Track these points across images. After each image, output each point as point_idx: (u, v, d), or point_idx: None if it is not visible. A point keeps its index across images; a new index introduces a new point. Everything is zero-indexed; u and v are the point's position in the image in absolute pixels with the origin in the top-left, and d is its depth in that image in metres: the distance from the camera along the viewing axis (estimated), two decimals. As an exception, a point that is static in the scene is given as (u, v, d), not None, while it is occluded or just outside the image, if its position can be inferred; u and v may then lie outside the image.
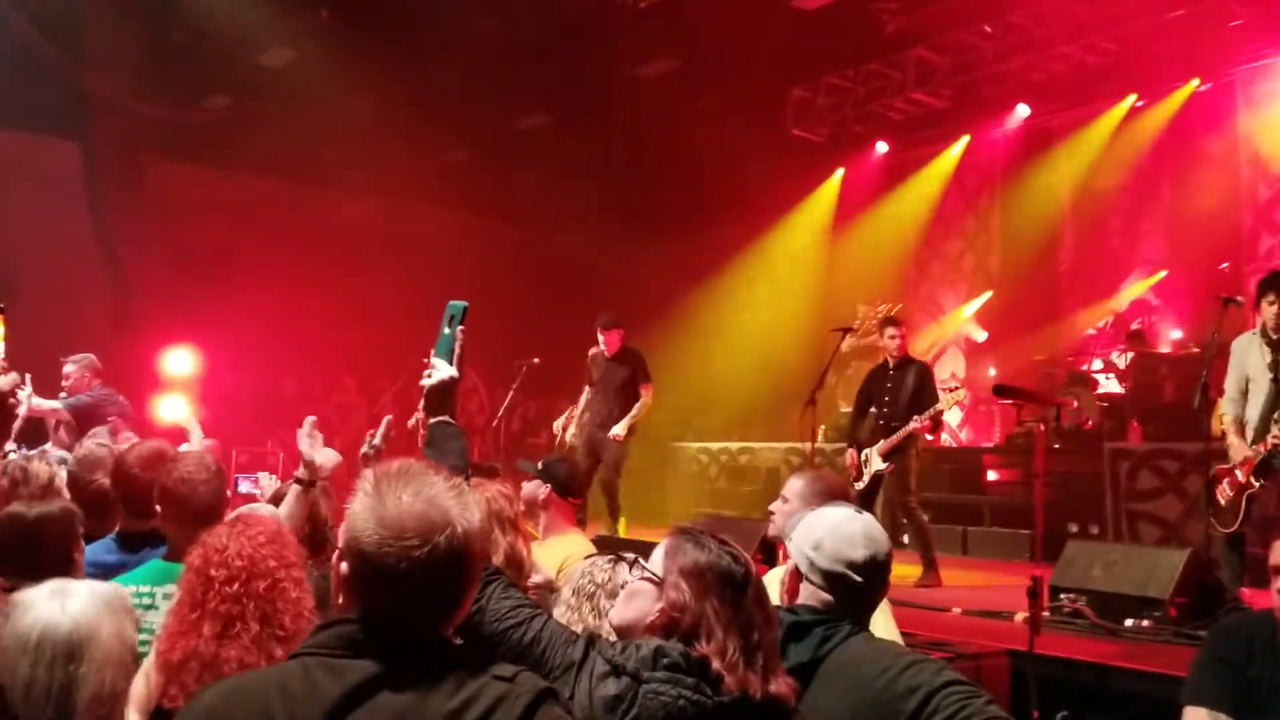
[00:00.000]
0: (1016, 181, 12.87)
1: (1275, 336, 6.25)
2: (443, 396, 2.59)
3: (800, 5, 11.10)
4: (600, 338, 9.32)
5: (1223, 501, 6.32)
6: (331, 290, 13.01)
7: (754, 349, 13.74)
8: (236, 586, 2.54)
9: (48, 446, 6.39)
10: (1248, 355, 6.37)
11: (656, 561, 2.32)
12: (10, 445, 5.17)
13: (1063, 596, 6.16)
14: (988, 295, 13.27)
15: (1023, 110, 12.54)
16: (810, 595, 2.55)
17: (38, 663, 1.99)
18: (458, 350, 2.61)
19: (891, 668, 2.37)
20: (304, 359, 13.44)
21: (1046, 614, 5.88)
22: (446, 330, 2.63)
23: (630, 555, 2.58)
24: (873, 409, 8.48)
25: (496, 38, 11.26)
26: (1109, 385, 11.32)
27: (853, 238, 14.12)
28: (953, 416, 12.51)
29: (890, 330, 8.44)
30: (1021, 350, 12.29)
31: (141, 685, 2.51)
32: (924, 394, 8.09)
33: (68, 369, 7.91)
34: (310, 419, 3.97)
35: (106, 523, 3.89)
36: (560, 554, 4.37)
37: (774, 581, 2.77)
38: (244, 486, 7.92)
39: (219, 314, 12.18)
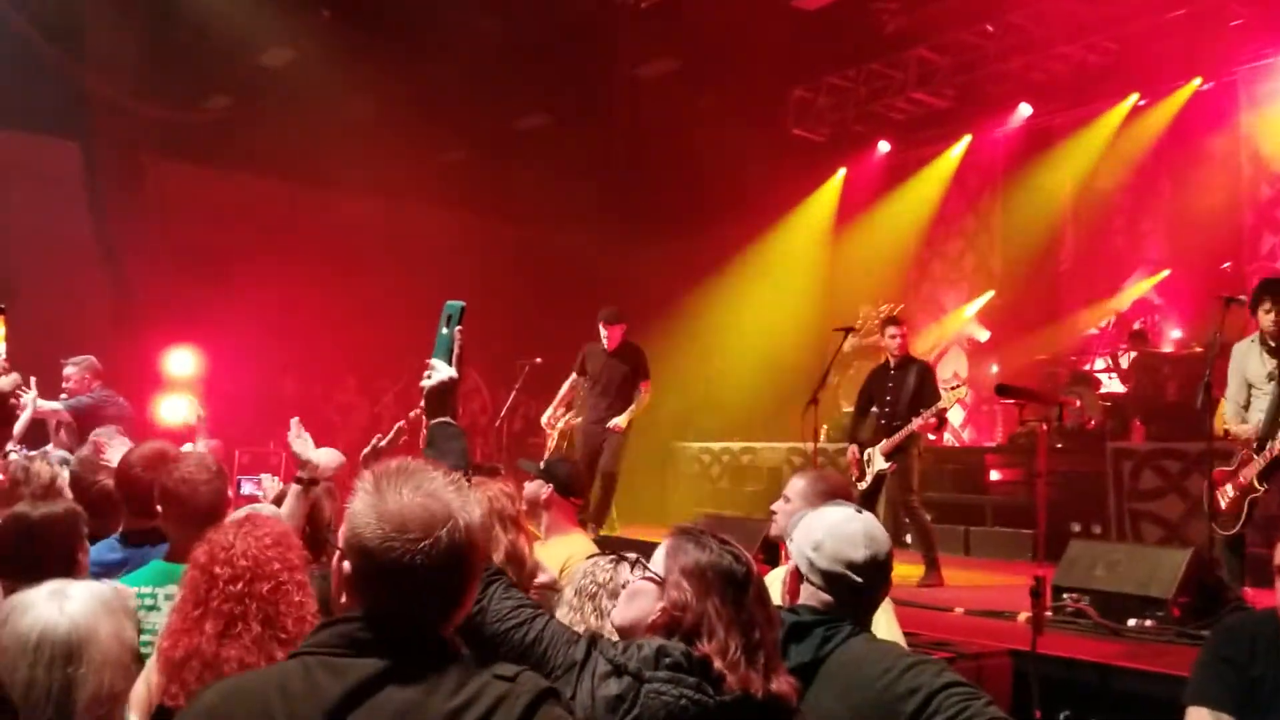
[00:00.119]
0: (1018, 181, 12.87)
1: (1274, 344, 6.24)
2: (442, 397, 2.59)
3: (801, 5, 11.09)
4: (602, 332, 9.26)
5: (1223, 504, 6.31)
6: (332, 290, 13.00)
7: (755, 349, 13.73)
8: (240, 586, 2.55)
9: (49, 448, 6.39)
10: (1248, 362, 6.37)
11: (658, 561, 2.32)
12: (11, 446, 5.18)
13: (1065, 596, 6.15)
14: (989, 295, 13.27)
15: (1024, 110, 12.54)
16: (811, 596, 2.55)
17: (36, 663, 1.98)
18: (457, 351, 2.61)
19: (892, 669, 2.37)
20: (305, 359, 13.43)
21: (1049, 614, 5.88)
22: (445, 331, 2.62)
23: (632, 555, 2.58)
24: (874, 409, 8.48)
25: (496, 38, 11.26)
26: (1111, 385, 11.32)
27: (854, 237, 14.12)
28: (955, 416, 12.51)
29: (891, 330, 8.44)
30: (1023, 350, 12.29)
31: (142, 688, 2.51)
32: (925, 393, 8.09)
33: (68, 371, 7.91)
34: (295, 420, 3.98)
35: (109, 523, 3.90)
36: (563, 554, 4.37)
37: (776, 581, 2.76)
38: (246, 488, 7.90)
39: (220, 314, 12.18)
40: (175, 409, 11.30)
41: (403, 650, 1.73)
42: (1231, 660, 2.82)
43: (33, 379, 7.10)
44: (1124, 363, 11.20)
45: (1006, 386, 8.44)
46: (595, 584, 2.78)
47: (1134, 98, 11.77)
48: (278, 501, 4.17)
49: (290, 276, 12.77)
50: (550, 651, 2.29)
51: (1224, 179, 11.08)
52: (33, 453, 4.88)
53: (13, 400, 5.59)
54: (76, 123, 12.38)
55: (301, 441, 3.97)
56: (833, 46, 12.31)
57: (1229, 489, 6.30)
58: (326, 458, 4.13)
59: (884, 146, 13.96)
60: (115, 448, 4.53)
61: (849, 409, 10.38)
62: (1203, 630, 5.24)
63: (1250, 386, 6.35)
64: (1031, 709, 4.59)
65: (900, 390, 8.22)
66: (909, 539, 8.49)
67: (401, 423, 3.89)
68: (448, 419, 2.57)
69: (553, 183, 13.30)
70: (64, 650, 2.00)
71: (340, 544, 1.80)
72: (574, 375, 9.61)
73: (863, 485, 8.16)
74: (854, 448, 8.41)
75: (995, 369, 12.90)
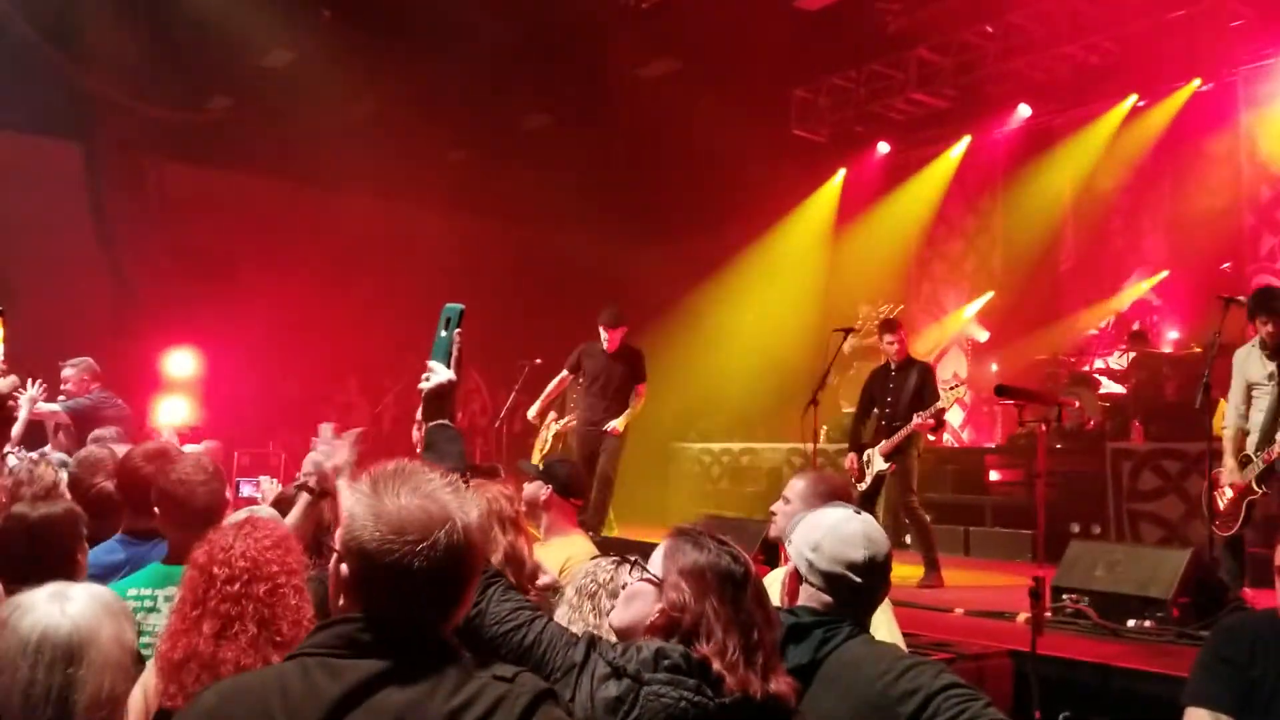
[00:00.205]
0: (1018, 181, 12.87)
1: (1272, 348, 6.27)
2: (441, 400, 2.60)
3: (802, 5, 11.10)
4: (603, 334, 9.19)
5: (1222, 505, 6.32)
6: (333, 291, 13.01)
7: (756, 349, 13.73)
8: (237, 587, 2.55)
9: (47, 449, 6.40)
10: (1248, 365, 6.41)
11: (656, 562, 2.32)
12: (9, 448, 5.17)
13: (1065, 597, 6.16)
14: (989, 295, 13.27)
15: (1024, 110, 12.54)
16: (810, 597, 2.55)
17: (37, 664, 1.98)
18: (455, 353, 2.61)
19: (891, 670, 2.36)
20: (306, 360, 13.43)
21: (1049, 614, 5.89)
22: (444, 333, 2.63)
23: (632, 556, 2.58)
24: (875, 410, 8.48)
25: (497, 38, 11.25)
26: (1111, 385, 11.32)
27: (854, 238, 14.11)
28: (955, 416, 12.51)
29: (888, 337, 8.42)
30: (1023, 350, 12.28)
31: (139, 695, 2.51)
32: (926, 394, 8.09)
33: (66, 373, 7.91)
34: (327, 426, 3.87)
35: (109, 524, 3.90)
36: (562, 555, 4.37)
37: (775, 582, 2.76)
38: (245, 489, 7.90)
39: (220, 315, 12.18)
40: (174, 410, 11.32)
41: (401, 651, 1.73)
42: (1231, 661, 2.82)
43: (36, 381, 7.11)
44: (1123, 363, 11.19)
45: (1006, 387, 8.42)
46: (595, 583, 2.78)
47: (1134, 98, 11.77)
48: (278, 503, 4.17)
49: (291, 277, 12.77)
50: (549, 653, 2.29)
51: (1224, 180, 11.08)
52: (34, 454, 4.88)
53: (11, 403, 5.59)
54: (77, 123, 12.40)
55: (328, 450, 3.78)
56: (833, 47, 12.31)
57: (1227, 490, 6.32)
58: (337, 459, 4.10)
59: (884, 147, 13.96)
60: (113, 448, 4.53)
61: (849, 409, 10.39)
62: (1202, 631, 5.25)
63: (1251, 387, 6.37)
64: (1031, 710, 4.59)
65: (901, 391, 8.22)
66: (909, 540, 8.49)
67: (360, 429, 3.83)
68: (445, 421, 2.57)
69: (553, 183, 13.30)
70: (65, 651, 2.00)
71: (337, 546, 1.81)
72: (564, 373, 9.57)
73: (862, 486, 8.16)
74: (853, 456, 8.41)
75: (995, 367, 12.91)
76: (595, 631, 2.53)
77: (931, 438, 8.75)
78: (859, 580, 2.50)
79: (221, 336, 12.08)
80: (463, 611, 1.84)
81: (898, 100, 12.85)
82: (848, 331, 9.36)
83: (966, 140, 13.27)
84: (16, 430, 6.49)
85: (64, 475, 4.42)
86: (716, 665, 2.12)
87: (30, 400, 7.07)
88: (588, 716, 2.15)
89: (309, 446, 4.04)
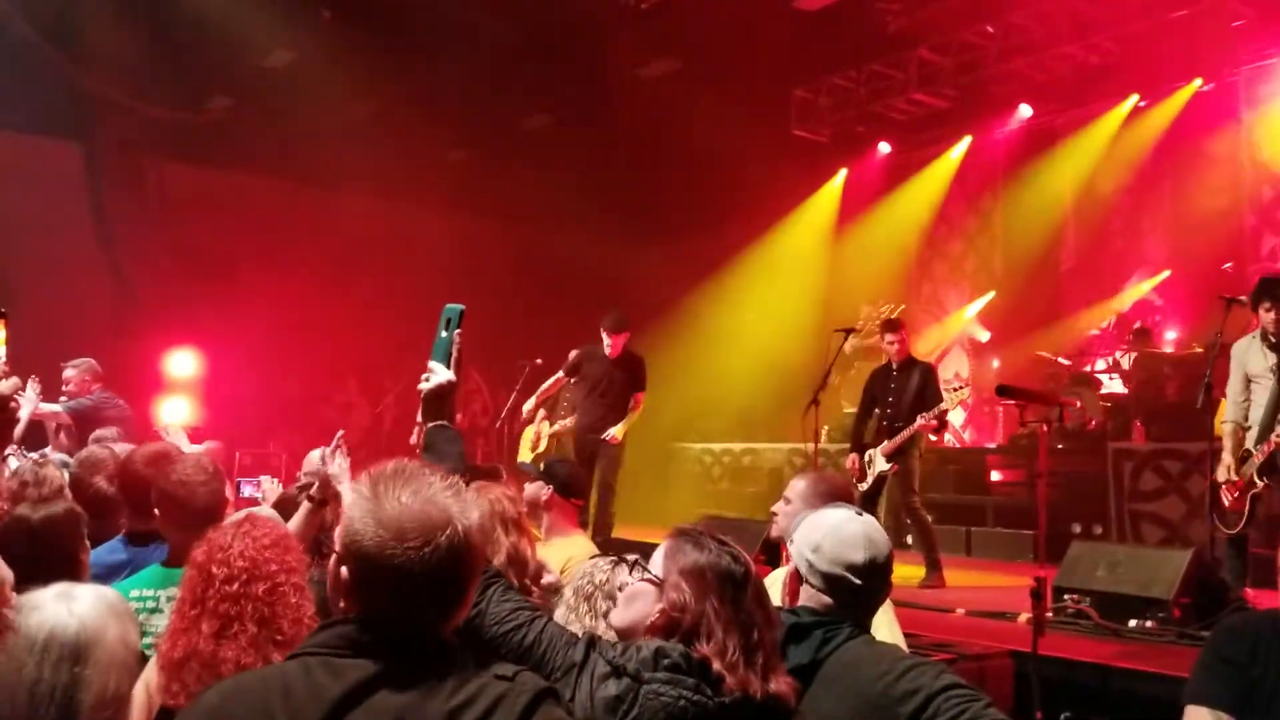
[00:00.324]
0: (1019, 181, 12.87)
1: (1275, 339, 6.25)
2: (440, 401, 2.60)
3: (802, 5, 11.10)
4: (605, 339, 9.04)
5: (1226, 502, 6.31)
6: (333, 291, 13.02)
7: (757, 350, 13.73)
8: (236, 586, 2.55)
9: (47, 450, 6.39)
10: (1248, 357, 6.38)
11: (657, 563, 2.32)
12: (11, 450, 5.17)
13: (1066, 597, 6.16)
14: (990, 295, 13.27)
15: (1025, 110, 12.55)
16: (810, 597, 2.55)
17: (44, 663, 1.99)
18: (455, 354, 2.61)
19: (891, 671, 2.36)
20: (306, 360, 13.43)
21: (1050, 615, 5.89)
22: (444, 334, 2.62)
23: (632, 557, 2.58)
24: (876, 410, 8.48)
25: (497, 38, 11.26)
26: (1112, 385, 11.32)
27: (855, 238, 14.11)
28: (956, 417, 12.50)
29: (889, 336, 8.41)
30: (1025, 350, 12.28)
31: (141, 691, 2.51)
32: (927, 394, 8.08)
33: (67, 374, 7.90)
34: (339, 434, 3.86)
35: (109, 524, 3.90)
36: (563, 555, 4.37)
37: (776, 583, 2.76)
38: (246, 489, 7.90)
39: (221, 315, 12.18)
40: (170, 414, 11.31)
41: (402, 651, 1.73)
42: (1232, 660, 2.82)
43: (33, 379, 7.10)
44: (1125, 363, 11.19)
45: (1007, 387, 8.43)
46: (592, 585, 2.78)
47: (1135, 98, 11.78)
48: (279, 504, 4.17)
49: (291, 277, 12.78)
50: (549, 653, 2.30)
51: (1225, 180, 11.08)
52: (35, 455, 4.87)
53: (13, 404, 5.58)
54: (77, 123, 12.41)
55: (334, 459, 3.79)
56: (834, 47, 12.32)
57: (1230, 488, 6.31)
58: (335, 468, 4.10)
59: (885, 147, 13.97)
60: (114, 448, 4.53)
61: (850, 410, 10.39)
62: (1204, 631, 5.25)
63: (1250, 381, 6.36)
64: (1033, 710, 4.58)
65: (902, 391, 8.21)
66: (910, 540, 8.49)
67: (341, 431, 3.83)
68: (445, 422, 2.57)
69: (553, 183, 13.30)
70: (71, 651, 2.01)
71: (337, 548, 1.80)
72: (560, 374, 9.54)
73: (864, 486, 8.15)
74: (854, 456, 8.40)
75: (996, 362, 12.92)
76: (593, 633, 2.53)
77: (933, 438, 8.74)
78: (859, 582, 2.50)
79: (222, 336, 12.08)
80: (463, 612, 1.84)
81: (898, 100, 12.86)
82: (849, 332, 9.33)
83: (967, 140, 13.27)
84: (17, 431, 6.49)
85: (65, 476, 4.42)
86: (716, 665, 2.12)
87: (31, 402, 7.07)
88: (587, 716, 2.15)
89: (309, 446, 4.04)
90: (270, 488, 4.85)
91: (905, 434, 8.01)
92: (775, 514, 3.90)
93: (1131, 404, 10.54)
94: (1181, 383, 9.82)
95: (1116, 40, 11.11)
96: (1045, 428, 7.99)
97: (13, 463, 4.41)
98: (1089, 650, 5.37)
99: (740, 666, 2.13)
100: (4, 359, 5.37)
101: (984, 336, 13.39)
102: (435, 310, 2.69)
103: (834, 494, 3.54)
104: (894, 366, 8.39)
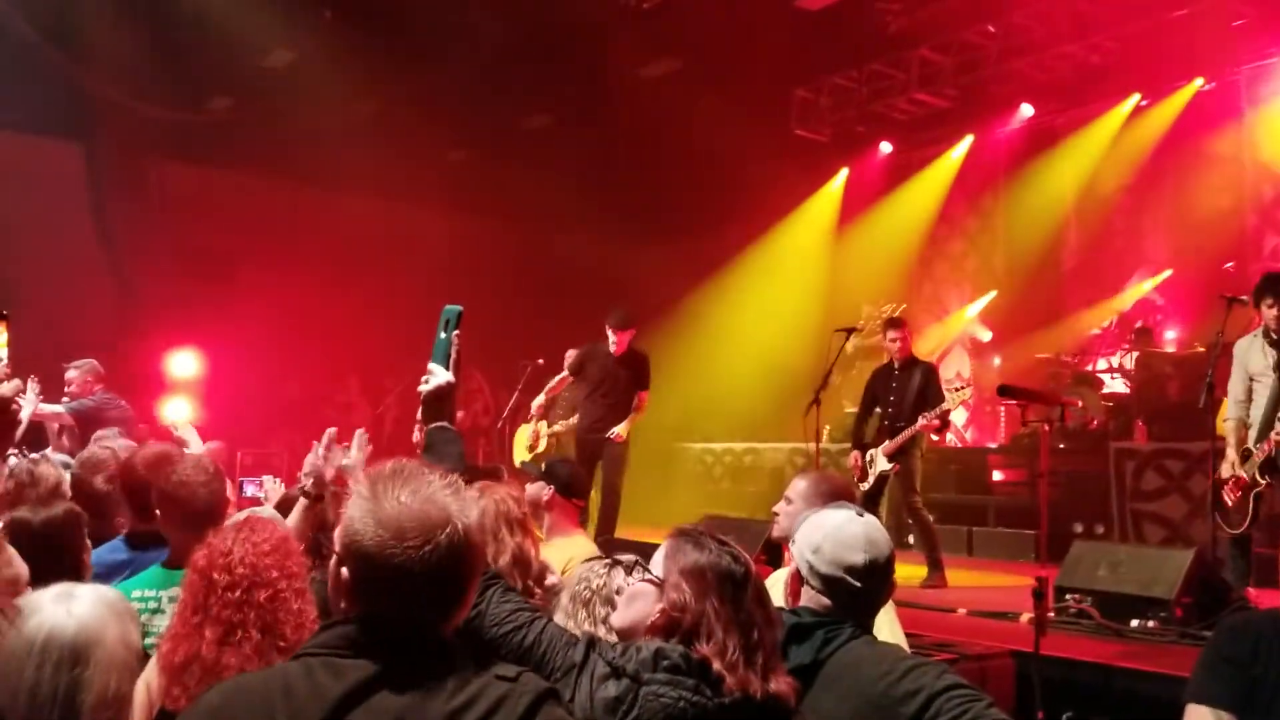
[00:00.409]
0: (1020, 181, 12.88)
1: (1277, 337, 6.25)
2: (440, 402, 2.60)
3: (803, 5, 11.10)
4: (610, 336, 8.93)
5: (1229, 501, 6.30)
6: (335, 291, 13.02)
7: (758, 349, 13.73)
8: (238, 594, 2.54)
9: (48, 451, 6.39)
10: (1250, 356, 6.38)
11: (657, 563, 2.32)
12: (12, 451, 5.18)
13: (1068, 597, 6.15)
14: (992, 295, 13.27)
15: (1026, 110, 12.56)
16: (811, 598, 2.55)
17: (43, 666, 1.99)
18: (454, 355, 2.61)
19: (893, 671, 2.36)
20: (308, 360, 13.43)
21: (1052, 615, 5.88)
22: (443, 335, 2.63)
23: (629, 558, 2.58)
24: (878, 409, 8.47)
25: (498, 38, 11.26)
26: (1114, 385, 11.31)
27: (856, 238, 14.11)
28: (958, 417, 12.50)
29: (891, 333, 8.41)
30: (1026, 350, 12.28)
31: (142, 692, 2.51)
32: (929, 394, 8.07)
33: (70, 374, 7.91)
34: (330, 430, 3.89)
35: (111, 524, 3.90)
36: (564, 556, 4.36)
37: (777, 583, 2.76)
38: (249, 490, 7.89)
39: (222, 315, 12.19)
40: (172, 412, 11.30)
41: (403, 651, 1.73)
42: (1233, 659, 2.82)
43: (33, 380, 7.10)
44: (1127, 363, 11.19)
45: (1008, 387, 8.43)
46: (589, 590, 2.78)
47: (1136, 98, 11.78)
48: (281, 504, 4.17)
49: (292, 277, 12.79)
50: (549, 654, 2.30)
51: (1226, 179, 11.09)
52: (36, 455, 4.87)
53: (14, 407, 5.59)
54: (78, 124, 12.42)
55: (327, 455, 3.81)
56: (835, 47, 12.32)
57: (1233, 485, 6.30)
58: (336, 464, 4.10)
59: (886, 147, 13.98)
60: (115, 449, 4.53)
61: (851, 409, 10.38)
62: (1205, 631, 5.24)
63: (1252, 380, 6.36)
64: (1034, 710, 4.57)
65: (904, 391, 8.20)
66: (912, 540, 8.48)
67: (362, 429, 3.84)
68: (445, 423, 2.57)
69: (555, 183, 13.31)
70: (70, 653, 2.00)
71: (337, 549, 1.80)
72: (565, 373, 9.51)
73: (865, 486, 8.15)
74: (856, 454, 8.39)
75: (998, 360, 12.92)
76: (593, 634, 2.53)
77: (935, 438, 8.73)
78: (858, 584, 2.50)
79: (222, 336, 12.07)
80: (463, 612, 1.83)
81: (899, 100, 12.86)
82: (850, 331, 9.32)
83: (969, 140, 13.28)
84: (18, 433, 6.49)
85: (66, 476, 4.42)
86: (716, 665, 2.12)
87: (32, 403, 7.08)
88: (587, 716, 2.15)
89: (311, 445, 4.04)
90: (273, 488, 4.85)
91: (906, 433, 8.00)
92: (776, 514, 3.90)
93: (1133, 403, 10.53)
94: (1183, 382, 9.81)
95: (1117, 40, 11.10)
96: (1047, 427, 8.00)
97: (13, 463, 4.42)
98: (1091, 650, 5.36)
99: (740, 666, 2.12)
100: (5, 361, 5.38)
101: (985, 336, 13.39)
102: (435, 310, 2.69)
103: (835, 494, 3.53)
104: (895, 366, 8.39)
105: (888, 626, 3.19)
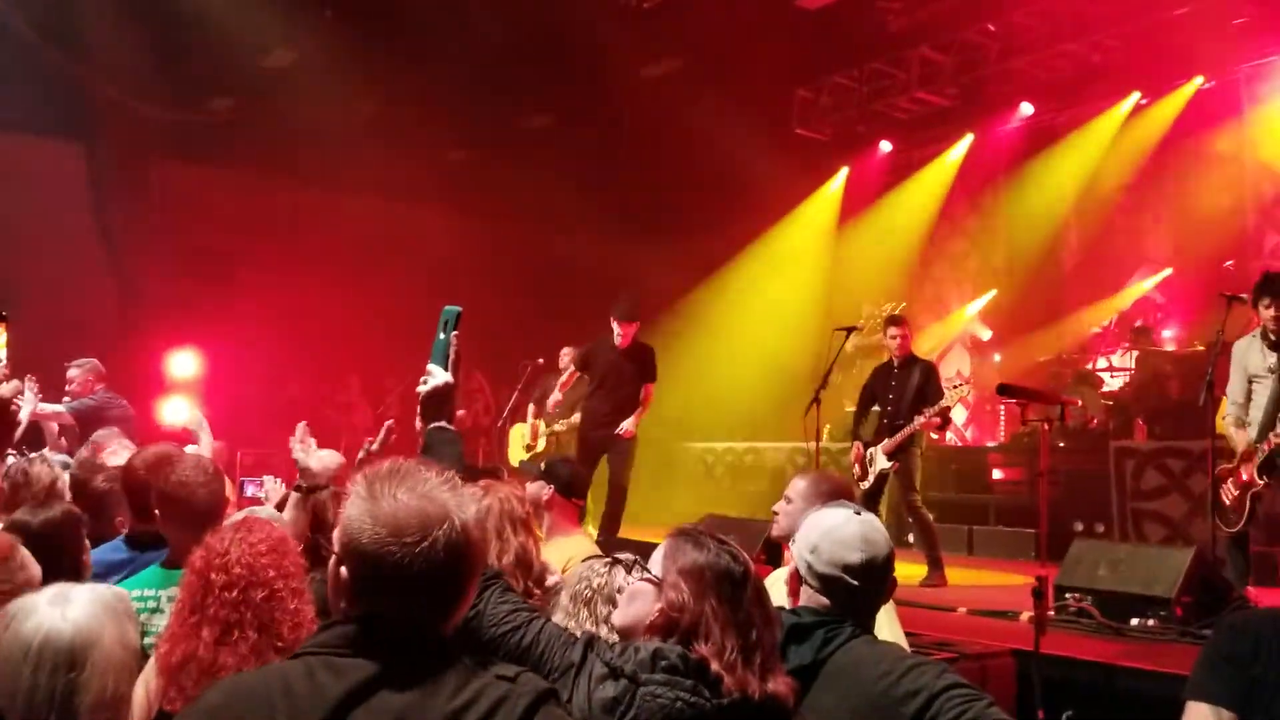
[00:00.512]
0: (1021, 180, 12.87)
1: (1275, 339, 6.24)
2: (438, 402, 2.60)
3: (803, 5, 11.10)
4: (615, 329, 8.81)
5: (1227, 501, 6.30)
6: (336, 291, 13.01)
7: (759, 349, 13.73)
8: (235, 594, 2.55)
9: (45, 451, 6.38)
10: (1249, 357, 6.38)
11: (657, 562, 2.32)
12: (11, 452, 5.17)
13: (1068, 596, 6.14)
14: (992, 293, 13.27)
15: (1026, 108, 12.56)
16: (810, 598, 2.55)
17: (39, 669, 1.98)
18: (452, 355, 2.61)
19: (893, 670, 2.36)
20: (308, 360, 13.43)
21: (1052, 613, 5.88)
22: (442, 336, 2.63)
23: (629, 557, 2.58)
24: (877, 408, 8.47)
25: (499, 38, 11.26)
26: (1114, 384, 11.31)
27: (857, 237, 14.12)
28: (958, 415, 12.51)
29: (892, 331, 8.42)
30: (1027, 348, 12.29)
31: (141, 690, 2.51)
32: (929, 392, 8.07)
33: (71, 373, 7.92)
34: (301, 425, 3.96)
35: (110, 524, 3.90)
36: (564, 555, 4.36)
37: (777, 582, 2.76)
38: (249, 490, 7.89)
39: (223, 315, 12.18)
40: (177, 411, 11.30)
41: (403, 650, 1.73)
42: (1233, 658, 2.81)
43: (30, 379, 7.10)
44: (1127, 361, 11.19)
45: (1008, 386, 8.43)
46: (590, 589, 2.78)
47: (1136, 96, 11.78)
48: (281, 505, 4.17)
49: (293, 277, 12.78)
50: (547, 654, 2.30)
51: (1227, 178, 11.08)
52: (33, 455, 4.87)
53: (13, 407, 5.59)
54: (78, 124, 12.41)
55: (302, 448, 3.95)
56: (835, 46, 12.32)
57: (1231, 486, 6.30)
58: (327, 459, 4.12)
59: (886, 146, 13.98)
60: (114, 450, 4.53)
61: (852, 409, 10.38)
62: (1205, 630, 5.24)
63: (1251, 380, 6.35)
64: (1034, 709, 4.57)
65: (903, 389, 8.20)
66: (911, 539, 8.48)
67: (390, 422, 3.89)
68: (444, 424, 2.57)
69: (556, 183, 13.31)
70: (67, 656, 2.00)
71: (336, 549, 1.80)
72: (572, 369, 9.46)
73: (865, 485, 8.14)
74: (858, 445, 8.38)
75: (998, 357, 12.92)
76: (591, 634, 2.53)
77: (935, 436, 8.72)
78: (855, 583, 2.50)
79: (222, 337, 12.07)
80: (463, 610, 1.84)
81: (900, 99, 12.87)
82: (850, 330, 9.31)
83: (969, 139, 13.28)
84: (17, 434, 6.49)
85: (65, 476, 4.42)
86: (715, 665, 2.12)
87: (31, 403, 7.08)
88: (585, 717, 2.15)
89: (311, 446, 4.06)
90: (273, 488, 4.85)
91: (906, 431, 8.00)
92: (776, 513, 3.89)
93: (1133, 402, 10.53)
94: (1183, 381, 9.82)
95: (1118, 38, 11.10)
96: (1047, 426, 7.99)
97: (11, 464, 4.42)
98: (1091, 649, 5.35)
99: (738, 667, 2.12)
100: (4, 362, 5.38)
101: (986, 335, 13.39)
102: (436, 310, 2.69)
103: (835, 493, 3.53)
104: (895, 364, 8.39)
105: (888, 625, 3.19)
